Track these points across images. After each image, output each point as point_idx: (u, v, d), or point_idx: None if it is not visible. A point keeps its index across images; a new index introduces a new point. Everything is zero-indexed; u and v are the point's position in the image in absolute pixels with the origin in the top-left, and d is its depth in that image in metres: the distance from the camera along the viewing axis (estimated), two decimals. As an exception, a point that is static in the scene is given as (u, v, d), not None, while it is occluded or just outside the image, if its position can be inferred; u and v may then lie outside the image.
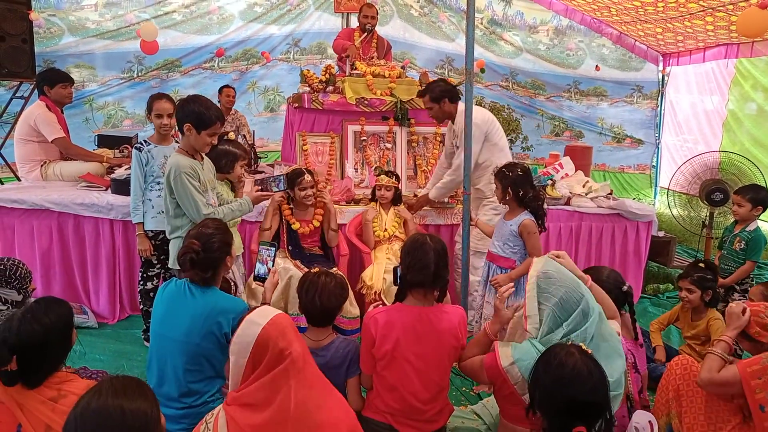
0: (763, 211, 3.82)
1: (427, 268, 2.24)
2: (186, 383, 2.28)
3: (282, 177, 3.18)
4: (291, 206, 3.77)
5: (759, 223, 3.89)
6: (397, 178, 4.11)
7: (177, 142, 3.57)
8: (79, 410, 1.43)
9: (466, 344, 2.34)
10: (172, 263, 2.99)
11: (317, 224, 3.76)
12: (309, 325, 2.37)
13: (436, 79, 4.39)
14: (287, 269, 3.54)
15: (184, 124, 2.78)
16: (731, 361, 2.18)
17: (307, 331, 2.36)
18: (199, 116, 2.78)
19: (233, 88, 6.63)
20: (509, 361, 2.03)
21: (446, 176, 4.02)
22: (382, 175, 4.05)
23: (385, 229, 3.99)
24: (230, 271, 3.11)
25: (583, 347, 1.79)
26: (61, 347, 1.94)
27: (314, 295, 2.30)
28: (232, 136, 4.20)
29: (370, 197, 4.22)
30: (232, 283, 3.14)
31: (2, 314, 2.39)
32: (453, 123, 3.99)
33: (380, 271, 3.73)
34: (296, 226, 3.70)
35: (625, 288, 2.61)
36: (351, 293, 3.49)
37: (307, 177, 3.67)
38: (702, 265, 3.30)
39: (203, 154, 3.01)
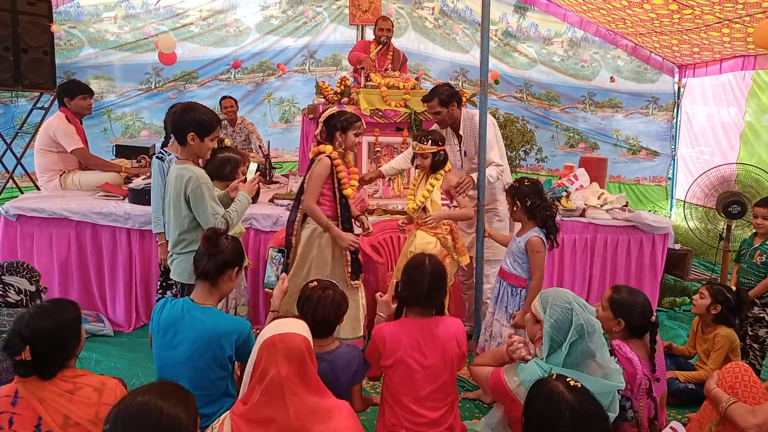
0: None
1: (420, 288, 2.36)
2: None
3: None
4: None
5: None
6: (436, 142, 3.37)
7: None
8: (123, 402, 1.51)
9: (466, 352, 2.42)
10: (179, 276, 2.86)
11: (356, 183, 3.37)
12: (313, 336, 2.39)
13: (440, 84, 4.15)
14: None
15: (186, 134, 2.72)
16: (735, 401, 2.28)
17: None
18: (200, 123, 2.73)
19: (233, 98, 6.58)
20: (516, 384, 2.04)
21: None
22: (415, 142, 3.43)
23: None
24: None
25: (572, 383, 1.73)
26: (73, 339, 1.98)
27: (309, 309, 2.31)
28: (227, 142, 4.10)
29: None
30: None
31: (16, 311, 2.44)
32: (460, 130, 3.80)
33: None
34: (348, 191, 3.27)
35: (653, 318, 2.57)
36: (360, 310, 3.31)
37: (363, 122, 3.33)
38: (734, 288, 3.30)
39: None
